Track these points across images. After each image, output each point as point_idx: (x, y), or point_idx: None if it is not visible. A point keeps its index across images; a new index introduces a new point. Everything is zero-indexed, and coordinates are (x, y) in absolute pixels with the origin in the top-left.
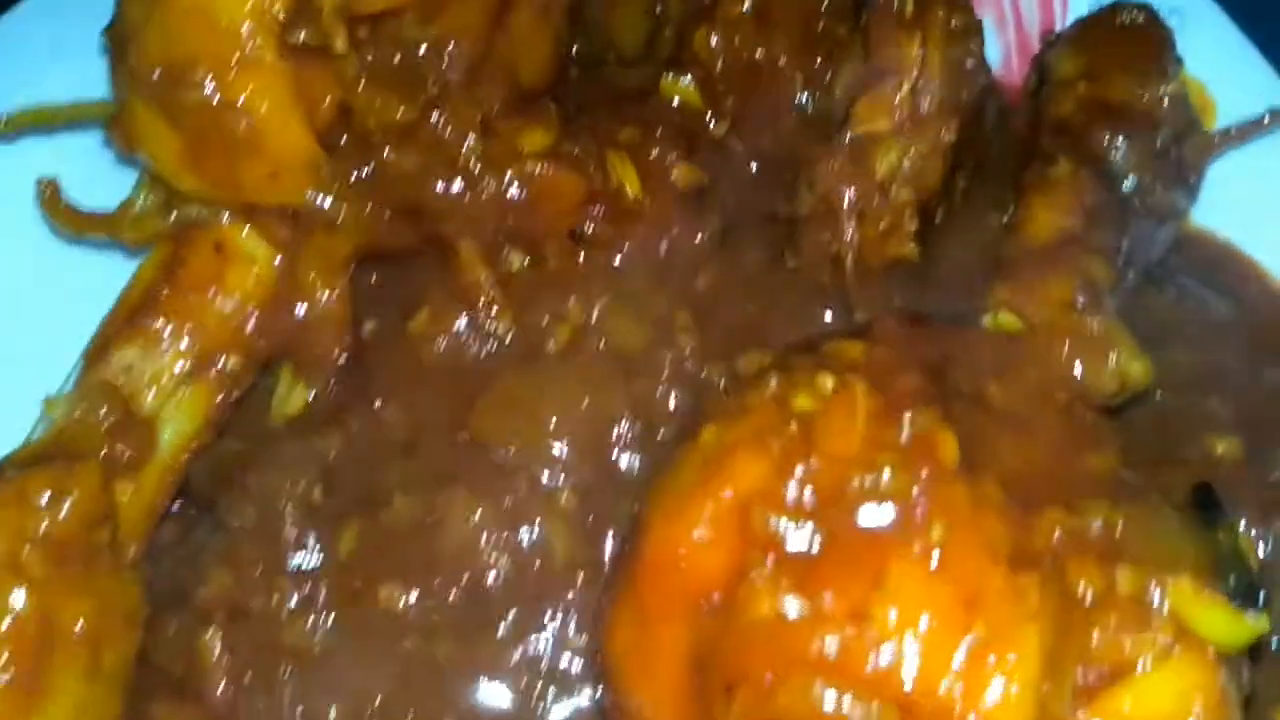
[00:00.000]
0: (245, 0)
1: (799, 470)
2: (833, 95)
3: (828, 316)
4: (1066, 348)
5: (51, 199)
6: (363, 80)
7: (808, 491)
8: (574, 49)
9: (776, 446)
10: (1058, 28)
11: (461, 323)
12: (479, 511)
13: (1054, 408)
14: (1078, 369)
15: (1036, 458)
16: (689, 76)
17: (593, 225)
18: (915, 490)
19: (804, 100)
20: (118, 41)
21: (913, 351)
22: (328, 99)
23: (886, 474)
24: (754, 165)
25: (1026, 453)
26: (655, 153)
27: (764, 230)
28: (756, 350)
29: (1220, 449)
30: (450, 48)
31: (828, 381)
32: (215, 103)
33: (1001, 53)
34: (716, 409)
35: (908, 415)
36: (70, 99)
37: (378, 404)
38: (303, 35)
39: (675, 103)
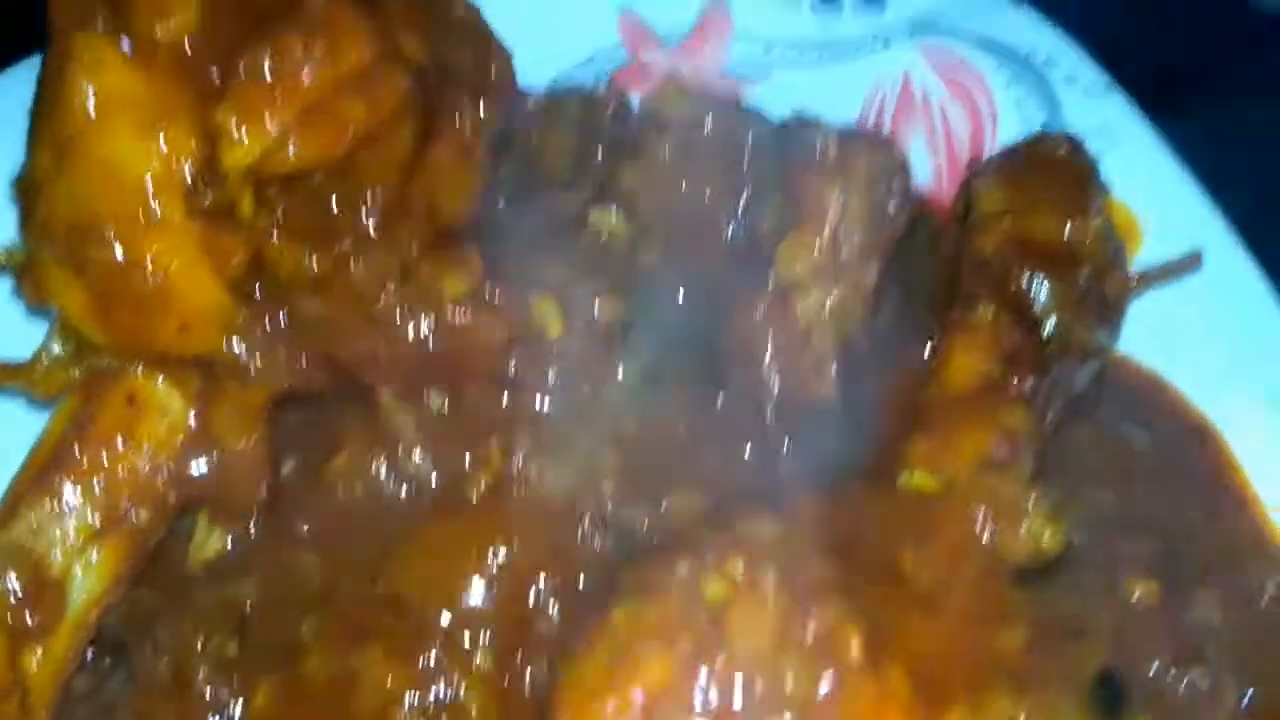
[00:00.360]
0: (150, 161)
1: (706, 669)
2: (759, 227)
3: (749, 452)
4: (980, 513)
5: None
6: (274, 233)
7: (714, 692)
8: (500, 173)
9: (686, 641)
10: (987, 148)
11: (381, 466)
12: (394, 671)
13: (966, 578)
14: (990, 534)
15: (946, 638)
16: (615, 208)
17: (515, 367)
18: (820, 692)
19: (731, 232)
20: (26, 192)
21: (826, 526)
22: (239, 253)
23: (791, 677)
24: (681, 294)
25: (936, 632)
26: (580, 291)
27: (691, 363)
28: (681, 491)
29: (1138, 592)
30: (365, 197)
31: (739, 566)
32: (123, 261)
33: (932, 171)
34: (629, 582)
35: (814, 611)
36: None
37: (294, 550)
38: (209, 199)
39: (604, 234)
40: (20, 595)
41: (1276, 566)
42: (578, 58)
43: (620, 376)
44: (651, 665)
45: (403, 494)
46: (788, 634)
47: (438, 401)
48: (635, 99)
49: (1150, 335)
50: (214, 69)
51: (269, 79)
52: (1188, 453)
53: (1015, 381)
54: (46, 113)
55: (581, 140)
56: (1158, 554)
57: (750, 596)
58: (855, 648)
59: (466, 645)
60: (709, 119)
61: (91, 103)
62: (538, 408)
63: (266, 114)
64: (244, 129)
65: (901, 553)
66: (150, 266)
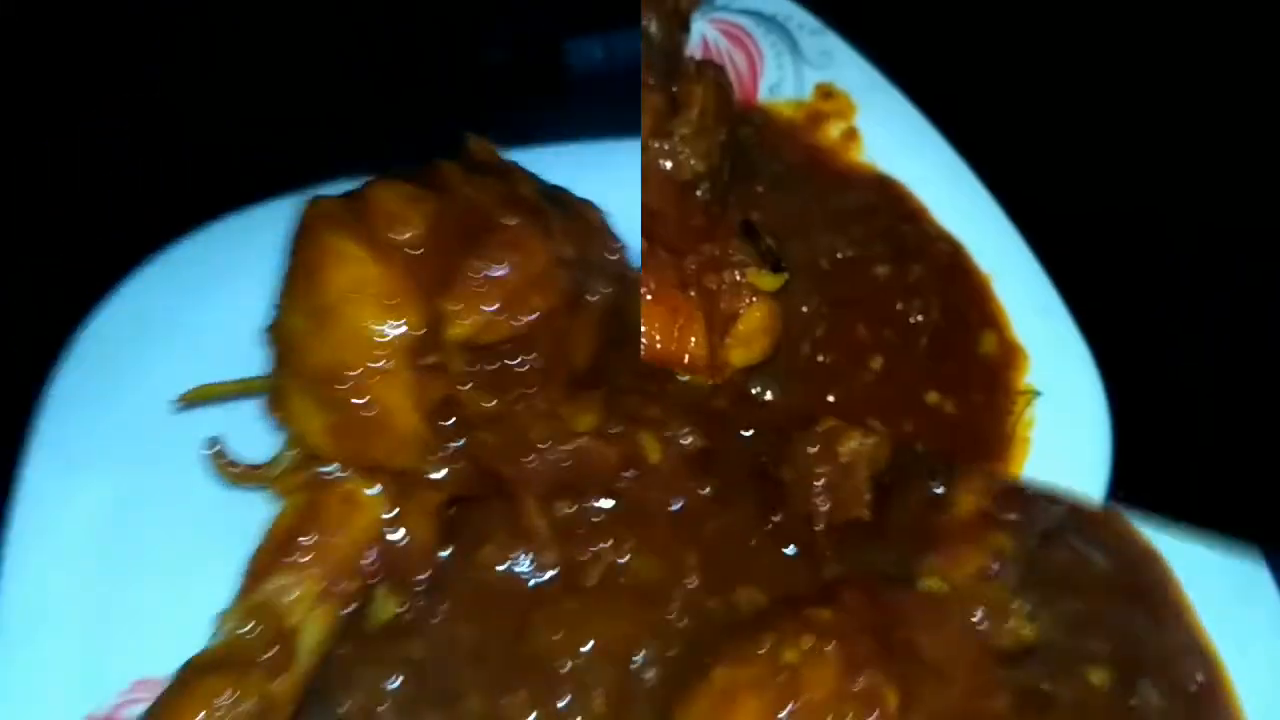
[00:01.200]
0: (388, 331)
1: (785, 712)
2: None
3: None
4: (978, 611)
5: (217, 454)
6: (466, 382)
7: None
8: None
9: (770, 691)
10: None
11: (519, 557)
12: (535, 713)
13: (967, 657)
14: (985, 627)
15: (952, 700)
16: None
17: (624, 483)
18: None
19: None
20: (280, 341)
21: (868, 616)
22: (438, 395)
23: (850, 717)
24: (748, 433)
25: (945, 696)
26: (672, 426)
27: (755, 486)
28: (747, 587)
29: (1095, 678)
30: (531, 359)
31: (809, 641)
32: (357, 398)
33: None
34: (726, 653)
35: (864, 673)
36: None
37: (451, 616)
38: (429, 359)
39: (687, 381)
40: (269, 641)
41: (1203, 663)
42: None
43: (702, 494)
44: (747, 707)
45: (535, 580)
46: (843, 689)
47: (564, 506)
48: None
49: None
50: (435, 267)
51: (480, 280)
52: (1138, 572)
53: (1004, 515)
54: (302, 287)
55: None
56: (1112, 650)
57: (817, 661)
58: (892, 700)
59: (588, 693)
60: None
61: (342, 285)
62: (640, 514)
63: (479, 305)
64: (463, 315)
65: (920, 637)
66: (376, 403)
